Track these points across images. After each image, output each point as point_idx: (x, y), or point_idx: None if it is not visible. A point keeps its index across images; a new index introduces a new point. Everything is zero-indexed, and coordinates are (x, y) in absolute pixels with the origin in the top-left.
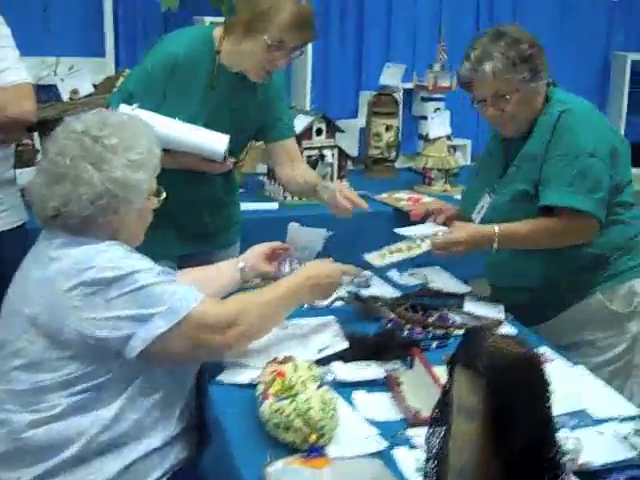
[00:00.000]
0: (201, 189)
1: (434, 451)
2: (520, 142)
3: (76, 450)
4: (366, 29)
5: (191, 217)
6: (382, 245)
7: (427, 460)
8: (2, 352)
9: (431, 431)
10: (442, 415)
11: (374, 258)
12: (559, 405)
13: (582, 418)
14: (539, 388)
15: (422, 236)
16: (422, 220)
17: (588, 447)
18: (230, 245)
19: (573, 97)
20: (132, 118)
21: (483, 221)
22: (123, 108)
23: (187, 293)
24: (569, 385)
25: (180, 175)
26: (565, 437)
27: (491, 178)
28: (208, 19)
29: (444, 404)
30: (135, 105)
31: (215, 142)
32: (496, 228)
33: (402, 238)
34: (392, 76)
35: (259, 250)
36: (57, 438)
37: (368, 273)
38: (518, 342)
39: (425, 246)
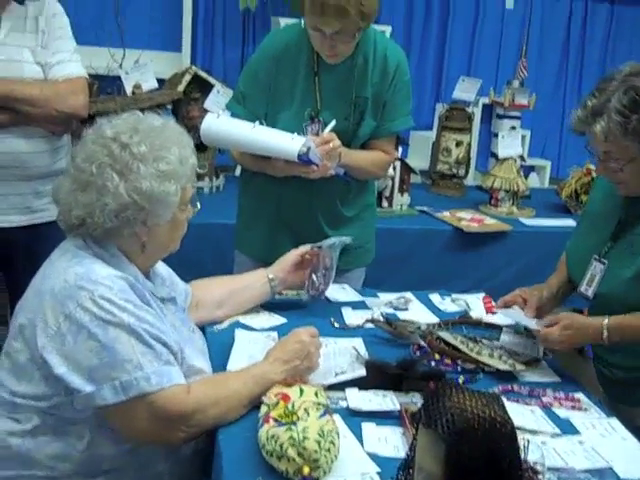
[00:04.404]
0: (314, 198)
1: None
2: None
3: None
4: (449, 40)
5: (310, 229)
6: (436, 266)
7: None
8: (5, 348)
9: None
10: (406, 476)
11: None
12: (582, 460)
13: (605, 476)
14: (506, 457)
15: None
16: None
17: None
18: (354, 268)
19: None
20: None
21: (597, 297)
22: (209, 117)
23: (158, 372)
24: (598, 438)
25: (293, 181)
26: None
27: (601, 239)
28: (284, 20)
29: (409, 464)
30: (220, 112)
31: (289, 143)
32: (605, 320)
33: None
34: (466, 90)
35: (287, 262)
36: (26, 454)
37: (409, 295)
38: (489, 402)
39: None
